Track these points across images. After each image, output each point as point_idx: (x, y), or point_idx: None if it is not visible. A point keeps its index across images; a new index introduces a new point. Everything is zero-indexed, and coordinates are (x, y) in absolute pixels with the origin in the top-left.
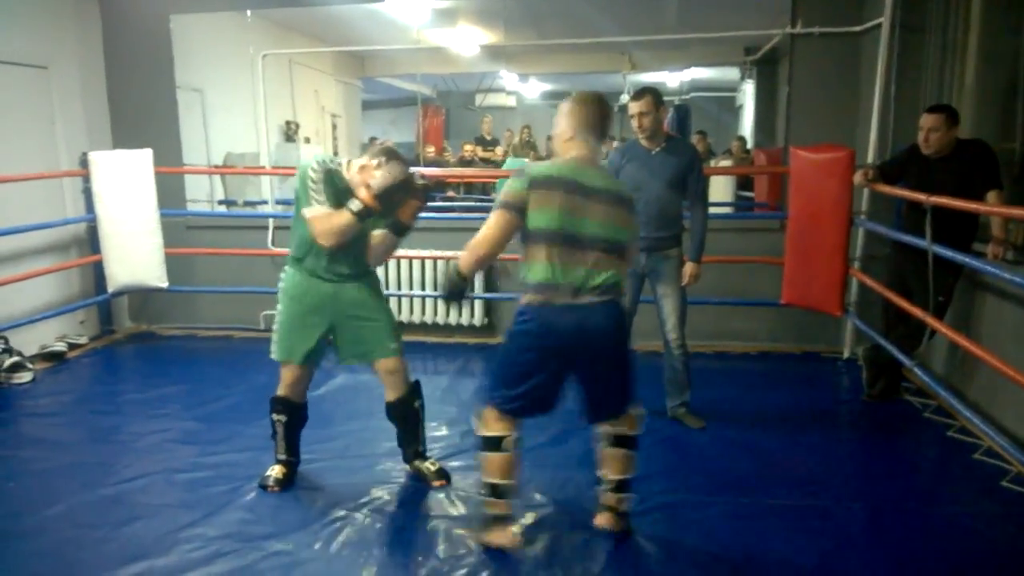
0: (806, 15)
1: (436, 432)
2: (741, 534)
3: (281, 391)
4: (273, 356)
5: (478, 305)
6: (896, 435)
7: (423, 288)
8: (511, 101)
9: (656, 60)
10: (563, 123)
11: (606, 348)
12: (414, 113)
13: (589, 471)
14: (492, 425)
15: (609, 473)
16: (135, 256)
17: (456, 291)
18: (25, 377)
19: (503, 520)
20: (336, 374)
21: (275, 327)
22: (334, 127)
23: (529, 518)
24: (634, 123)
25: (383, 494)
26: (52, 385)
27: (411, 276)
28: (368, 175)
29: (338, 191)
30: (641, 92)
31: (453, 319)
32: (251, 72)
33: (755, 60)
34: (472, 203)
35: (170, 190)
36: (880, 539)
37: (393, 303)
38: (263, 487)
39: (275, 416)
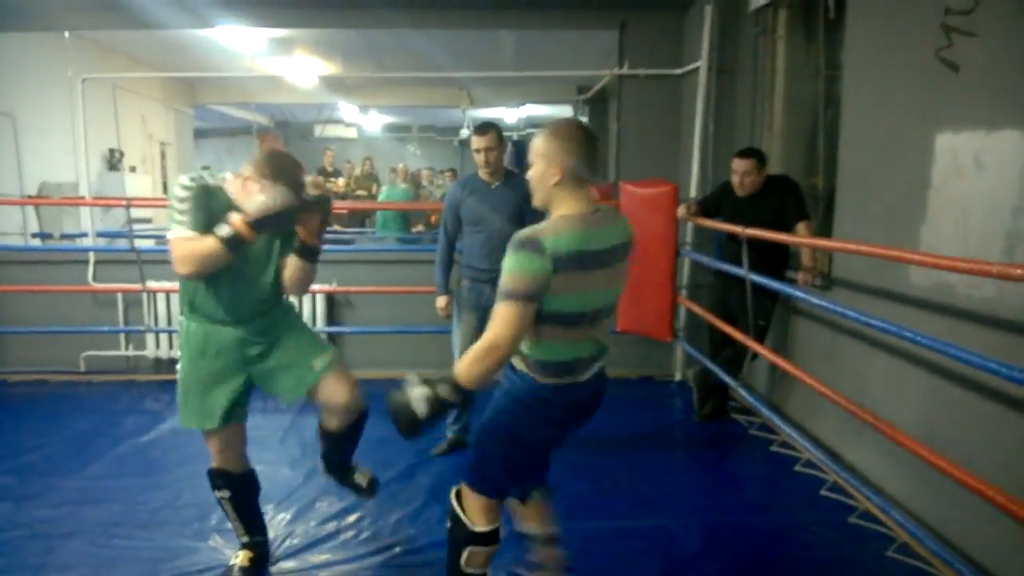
0: (632, 57)
1: (284, 471)
2: (585, 556)
3: (215, 463)
4: (183, 424)
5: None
6: (725, 452)
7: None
8: (351, 133)
9: (494, 96)
10: (542, 165)
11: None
12: (250, 142)
13: (439, 505)
14: (483, 516)
15: (541, 527)
16: None
17: (428, 417)
18: None
19: None
20: (166, 418)
21: (179, 389)
22: (163, 155)
23: (381, 555)
24: (479, 158)
25: (220, 544)
26: None
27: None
28: (248, 194)
29: (215, 213)
30: (485, 127)
31: None
32: (70, 96)
33: (587, 99)
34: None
35: None
36: (715, 552)
37: None
38: None
39: (217, 494)
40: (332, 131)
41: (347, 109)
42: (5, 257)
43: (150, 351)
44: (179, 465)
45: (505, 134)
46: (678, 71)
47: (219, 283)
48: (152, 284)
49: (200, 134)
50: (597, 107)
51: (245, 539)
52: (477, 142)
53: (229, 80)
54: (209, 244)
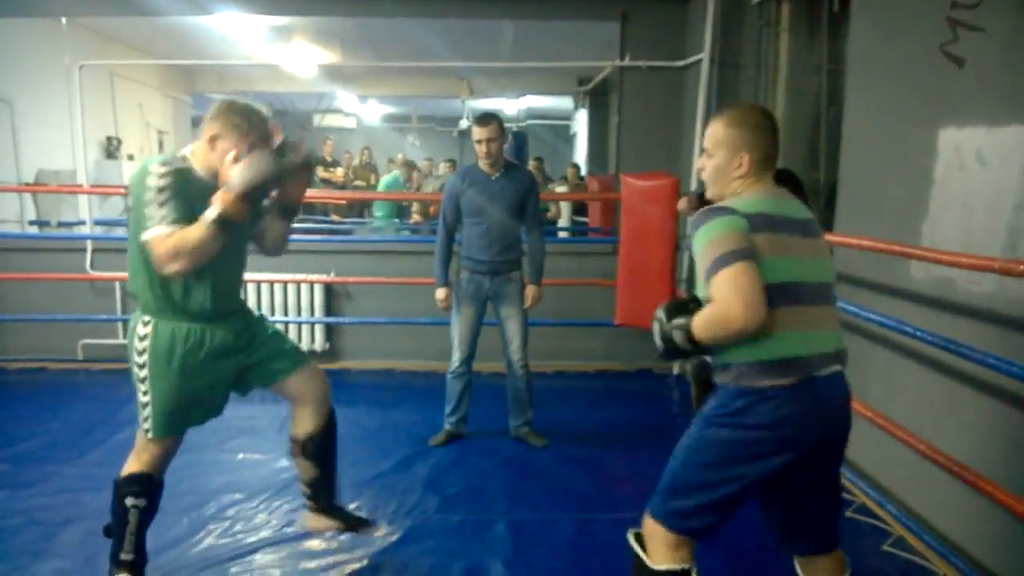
0: (633, 49)
1: (281, 462)
2: (586, 549)
3: (143, 467)
4: (153, 434)
5: (319, 329)
6: None
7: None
8: (350, 122)
9: (494, 87)
10: (725, 154)
11: (844, 439)
12: None
13: (436, 495)
14: (668, 554)
15: None
16: None
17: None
18: None
19: None
20: None
21: (148, 399)
22: (160, 144)
23: (376, 545)
24: (481, 148)
25: (220, 528)
26: None
27: (246, 300)
28: (223, 164)
29: (194, 200)
30: (487, 118)
31: None
32: (67, 83)
33: (588, 90)
34: (313, 224)
35: None
36: (711, 545)
37: None
38: None
39: (130, 501)
40: (331, 121)
41: (346, 98)
42: (2, 245)
43: None
44: (177, 453)
45: (505, 125)
46: (680, 63)
47: (207, 273)
48: None
49: (198, 123)
50: (598, 99)
51: (129, 557)
52: (478, 132)
53: (227, 68)
54: (200, 232)
